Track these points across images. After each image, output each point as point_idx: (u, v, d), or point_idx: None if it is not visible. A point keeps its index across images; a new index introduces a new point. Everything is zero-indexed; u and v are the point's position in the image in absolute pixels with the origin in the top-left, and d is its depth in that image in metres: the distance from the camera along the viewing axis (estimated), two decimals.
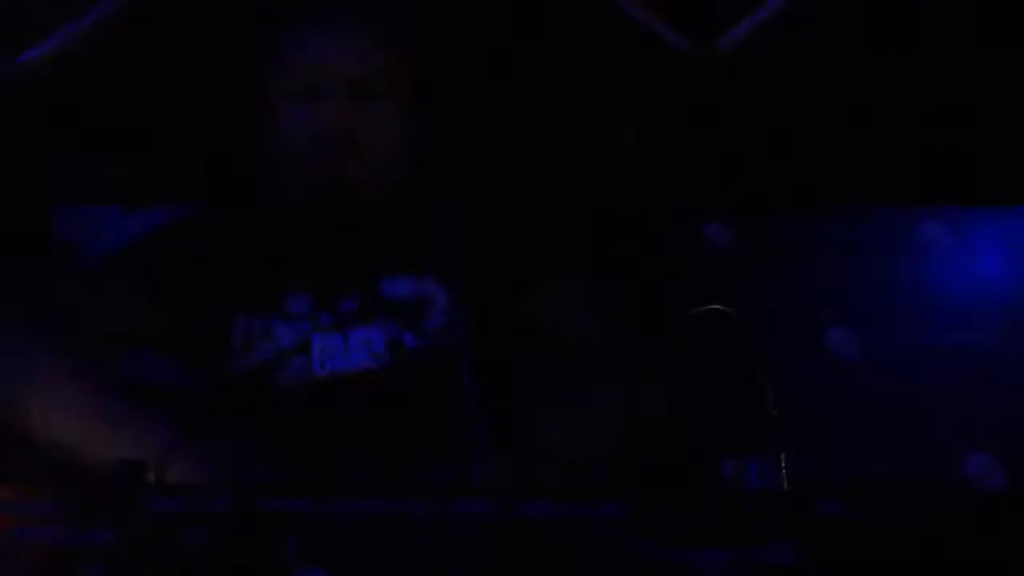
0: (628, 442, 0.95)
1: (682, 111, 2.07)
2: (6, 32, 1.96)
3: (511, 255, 1.16)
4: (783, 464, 0.60)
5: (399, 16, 1.24)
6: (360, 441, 0.94)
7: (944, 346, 2.07)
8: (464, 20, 1.94)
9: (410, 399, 1.00)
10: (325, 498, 0.54)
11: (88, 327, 1.14)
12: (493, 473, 0.61)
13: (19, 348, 1.07)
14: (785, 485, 0.60)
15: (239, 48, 1.82)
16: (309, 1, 1.21)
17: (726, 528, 0.53)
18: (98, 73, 2.05)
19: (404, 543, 0.51)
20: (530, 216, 1.20)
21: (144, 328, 1.13)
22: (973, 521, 0.45)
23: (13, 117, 1.96)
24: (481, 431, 0.64)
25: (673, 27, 2.00)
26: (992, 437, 1.94)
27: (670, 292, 2.08)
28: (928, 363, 2.05)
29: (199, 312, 1.10)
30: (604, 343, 1.01)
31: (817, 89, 2.08)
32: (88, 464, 1.09)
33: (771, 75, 2.08)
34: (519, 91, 2.02)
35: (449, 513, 0.53)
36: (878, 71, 2.04)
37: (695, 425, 2.02)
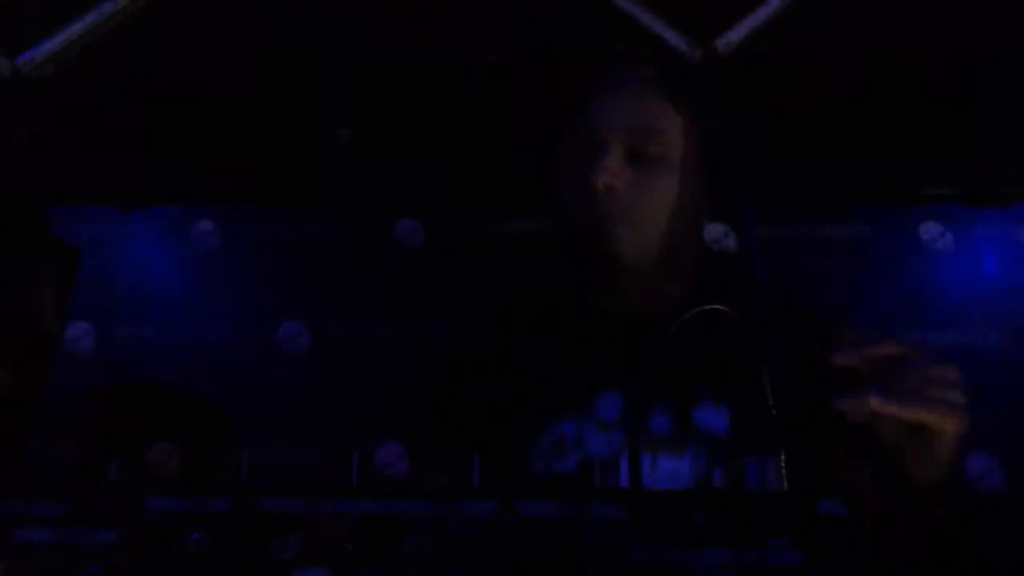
0: None
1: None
2: (6, 32, 1.97)
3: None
4: (783, 464, 0.60)
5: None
6: None
7: (944, 346, 2.07)
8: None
9: None
10: (325, 498, 0.54)
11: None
12: None
13: None
14: (785, 485, 0.60)
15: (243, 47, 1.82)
16: None
17: (726, 528, 0.53)
18: (98, 73, 2.06)
19: (404, 543, 0.52)
20: None
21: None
22: (973, 521, 0.45)
23: (13, 117, 1.96)
24: None
25: (673, 28, 2.00)
26: (992, 437, 1.94)
27: None
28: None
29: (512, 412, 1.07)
30: None
31: (816, 89, 2.08)
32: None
33: (770, 75, 2.08)
34: (517, 91, 2.02)
35: (449, 513, 0.53)
36: (878, 71, 2.04)
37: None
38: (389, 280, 1.96)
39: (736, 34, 2.03)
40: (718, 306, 0.62)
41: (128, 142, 2.12)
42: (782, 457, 0.62)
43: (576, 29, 2.01)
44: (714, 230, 2.20)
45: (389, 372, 1.79)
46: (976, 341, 2.06)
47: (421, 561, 0.50)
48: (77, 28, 2.03)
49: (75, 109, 2.07)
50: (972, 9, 1.97)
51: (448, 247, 2.09)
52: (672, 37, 2.00)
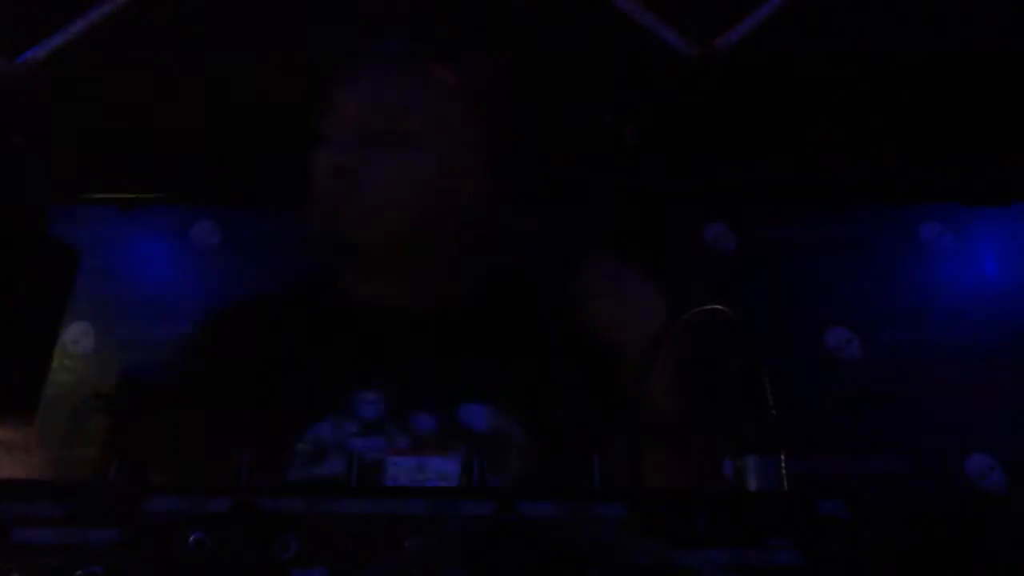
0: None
1: (682, 111, 2.08)
2: (6, 32, 1.97)
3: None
4: (783, 464, 0.60)
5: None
6: None
7: (944, 346, 2.07)
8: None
9: None
10: (325, 498, 0.54)
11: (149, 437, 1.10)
12: None
13: None
14: (785, 485, 0.60)
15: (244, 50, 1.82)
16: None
17: (726, 528, 0.53)
18: (98, 73, 2.06)
19: (404, 543, 0.52)
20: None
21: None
22: (973, 521, 0.45)
23: (13, 117, 1.96)
24: None
25: (673, 27, 2.00)
26: (992, 437, 1.94)
27: (670, 292, 2.08)
28: (928, 363, 2.05)
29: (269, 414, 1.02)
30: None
31: (816, 89, 2.08)
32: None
33: (770, 75, 2.09)
34: (519, 91, 2.02)
35: (449, 513, 0.53)
36: (877, 71, 2.04)
37: (695, 425, 2.02)
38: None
39: (736, 34, 2.03)
40: (717, 306, 0.62)
41: (129, 142, 2.12)
42: (782, 457, 0.62)
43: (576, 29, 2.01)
44: (714, 230, 2.20)
45: None
46: (976, 341, 2.06)
47: (421, 561, 0.50)
48: (77, 28, 2.03)
49: (75, 109, 2.07)
50: (972, 10, 1.97)
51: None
52: (672, 37, 2.00)
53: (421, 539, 0.51)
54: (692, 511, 0.53)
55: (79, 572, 0.50)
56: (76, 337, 2.12)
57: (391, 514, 0.53)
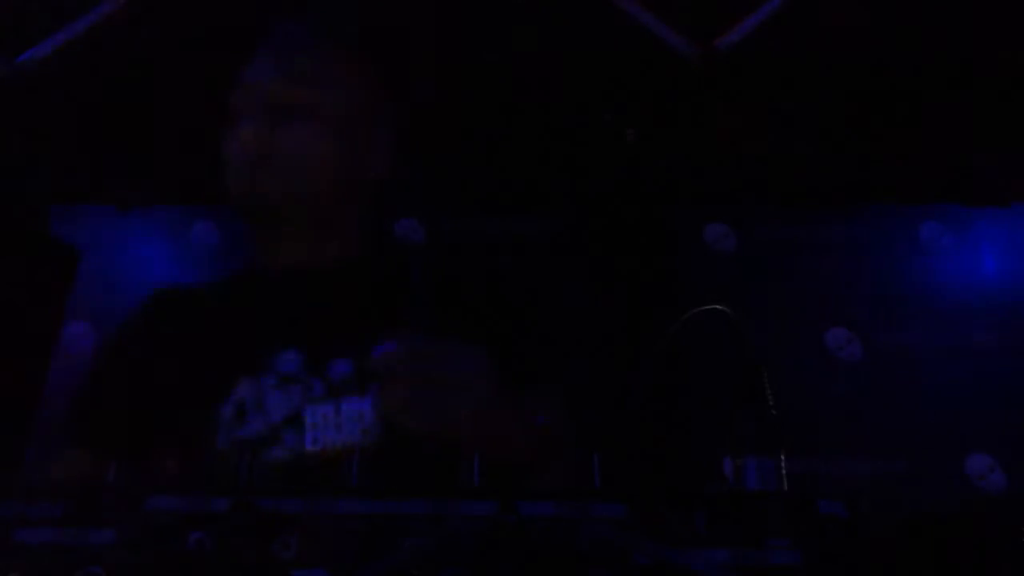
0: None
1: (682, 111, 2.08)
2: (6, 32, 1.97)
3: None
4: (783, 464, 0.60)
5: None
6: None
7: (944, 346, 2.07)
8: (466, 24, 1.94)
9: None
10: (325, 498, 0.54)
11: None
12: None
13: None
14: (785, 485, 0.60)
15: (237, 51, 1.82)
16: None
17: (726, 528, 0.53)
18: (98, 73, 2.06)
19: (404, 543, 0.52)
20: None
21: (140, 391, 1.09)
22: (973, 521, 0.45)
23: (13, 117, 1.96)
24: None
25: (673, 28, 2.00)
26: (992, 437, 1.95)
27: (670, 292, 2.08)
28: (928, 363, 2.05)
29: (193, 380, 1.07)
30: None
31: (816, 89, 2.08)
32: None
33: (770, 75, 2.09)
34: (517, 91, 2.03)
35: (449, 513, 0.53)
36: (877, 71, 2.04)
37: (695, 425, 2.03)
38: None
39: (736, 34, 2.03)
40: (718, 307, 0.62)
41: (128, 142, 2.12)
42: (782, 457, 0.62)
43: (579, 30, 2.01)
44: (715, 230, 2.20)
45: None
46: (976, 341, 2.06)
47: (421, 561, 0.50)
48: (77, 28, 2.03)
49: (75, 109, 2.08)
50: (972, 10, 1.97)
51: None
52: (672, 37, 2.00)
53: (421, 539, 0.51)
54: (692, 511, 0.53)
55: (79, 572, 0.50)
56: (76, 337, 2.12)
57: (391, 514, 0.53)
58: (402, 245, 1.31)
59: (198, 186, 2.20)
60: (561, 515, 0.54)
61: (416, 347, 0.84)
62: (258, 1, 1.91)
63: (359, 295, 1.12)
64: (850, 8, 1.96)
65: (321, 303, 1.12)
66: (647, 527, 0.51)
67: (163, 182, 2.20)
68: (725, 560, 0.53)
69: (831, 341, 2.07)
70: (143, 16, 1.99)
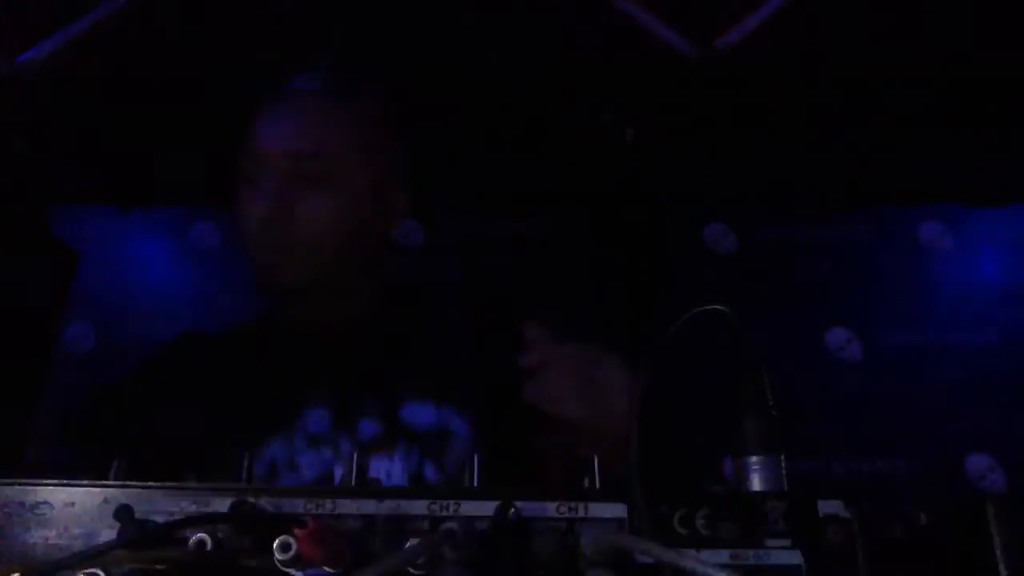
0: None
1: (682, 111, 2.08)
2: (6, 32, 1.97)
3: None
4: (783, 464, 0.60)
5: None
6: None
7: (944, 346, 2.08)
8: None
9: None
10: (325, 498, 0.54)
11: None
12: None
13: None
14: (785, 485, 0.60)
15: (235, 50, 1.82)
16: None
17: (726, 528, 0.53)
18: (98, 73, 2.06)
19: (404, 543, 0.52)
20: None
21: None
22: (973, 521, 0.45)
23: (13, 117, 1.96)
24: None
25: (673, 28, 2.00)
26: (992, 437, 1.95)
27: (670, 292, 2.08)
28: (928, 363, 2.05)
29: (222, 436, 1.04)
30: None
31: (816, 89, 2.08)
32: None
33: (770, 75, 2.09)
34: (518, 91, 2.03)
35: (449, 513, 0.53)
36: (877, 72, 2.04)
37: (695, 425, 2.02)
38: None
39: (736, 34, 2.03)
40: (718, 307, 0.62)
41: (128, 142, 2.12)
42: (782, 457, 0.62)
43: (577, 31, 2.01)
44: (714, 230, 2.20)
45: None
46: (976, 341, 2.06)
47: (421, 561, 0.50)
48: (77, 28, 2.03)
49: (75, 109, 2.08)
50: (972, 10, 1.97)
51: None
52: (672, 37, 2.00)
53: (421, 539, 0.51)
54: (692, 511, 0.53)
55: (79, 572, 0.50)
56: (76, 337, 2.13)
57: (391, 514, 0.53)
58: (436, 284, 1.29)
59: (198, 186, 2.20)
60: (561, 515, 0.54)
61: (568, 346, 0.86)
62: (257, 3, 1.91)
63: (382, 349, 1.11)
64: (850, 8, 1.96)
65: (346, 360, 1.10)
66: (647, 527, 0.51)
67: (163, 182, 2.20)
68: (725, 560, 0.53)
69: (831, 341, 2.07)
70: (143, 16, 1.99)
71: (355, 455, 0.58)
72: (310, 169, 1.05)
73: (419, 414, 1.06)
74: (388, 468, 1.03)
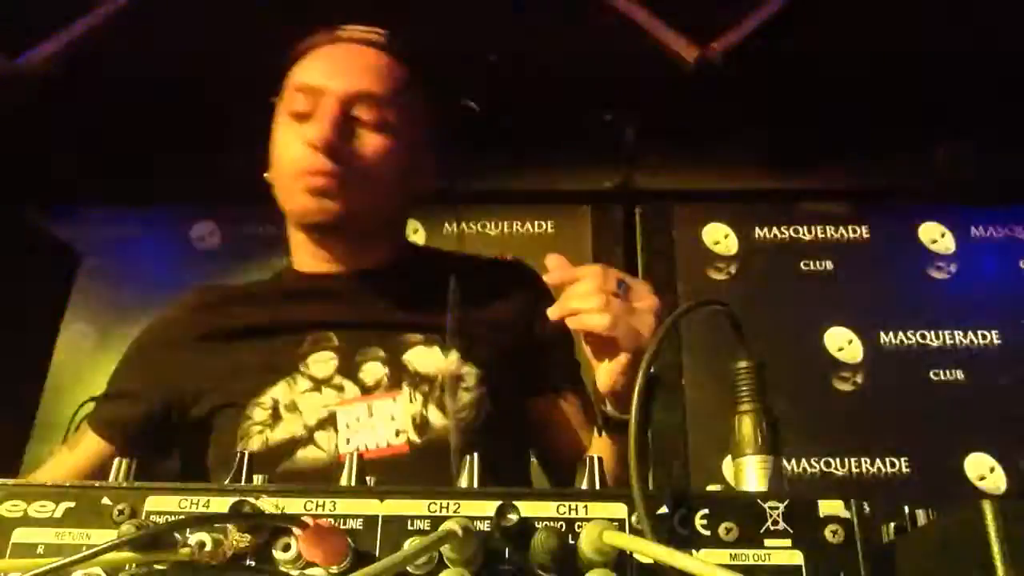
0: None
1: (682, 111, 2.08)
2: (6, 32, 1.97)
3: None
4: (783, 464, 0.60)
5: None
6: None
7: (944, 346, 2.07)
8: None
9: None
10: (325, 498, 0.54)
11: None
12: None
13: None
14: (785, 485, 0.60)
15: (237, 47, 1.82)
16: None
17: (726, 528, 0.53)
18: (98, 73, 2.06)
19: (404, 543, 0.52)
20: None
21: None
22: (973, 521, 0.45)
23: (13, 117, 1.96)
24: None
25: (673, 28, 2.00)
26: (992, 437, 1.95)
27: (670, 292, 2.08)
28: (928, 363, 2.05)
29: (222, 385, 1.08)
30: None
31: (816, 89, 2.08)
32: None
33: (770, 76, 2.09)
34: (518, 91, 2.03)
35: (449, 513, 0.53)
36: (877, 71, 2.04)
37: (695, 426, 2.03)
38: None
39: (736, 36, 2.03)
40: (716, 304, 0.62)
41: (128, 142, 2.12)
42: (782, 457, 0.62)
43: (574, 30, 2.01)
44: (714, 230, 2.20)
45: None
46: (976, 340, 2.06)
47: (421, 561, 0.51)
48: (77, 28, 2.03)
49: (75, 109, 2.08)
50: (971, 11, 1.97)
51: None
52: (671, 38, 2.00)
53: (421, 539, 0.51)
54: (692, 511, 0.53)
55: (79, 572, 0.50)
56: (76, 337, 2.13)
57: (391, 514, 0.54)
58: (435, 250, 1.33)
59: (198, 186, 2.20)
60: (561, 515, 0.54)
61: (592, 265, 0.89)
62: (256, 4, 1.91)
63: (392, 300, 1.12)
64: (849, 8, 1.96)
65: (354, 307, 1.12)
66: (647, 527, 0.51)
67: (163, 182, 2.20)
68: (725, 560, 0.53)
69: (831, 341, 2.07)
70: (143, 16, 1.99)
71: (355, 456, 0.58)
72: (371, 112, 1.07)
73: (425, 358, 1.07)
74: (392, 410, 1.03)
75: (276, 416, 1.04)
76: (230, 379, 1.07)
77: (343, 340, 1.09)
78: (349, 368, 1.07)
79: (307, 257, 1.16)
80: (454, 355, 1.07)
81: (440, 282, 1.09)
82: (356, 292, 1.14)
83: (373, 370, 1.07)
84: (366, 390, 1.05)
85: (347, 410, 1.04)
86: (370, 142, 1.07)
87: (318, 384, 1.06)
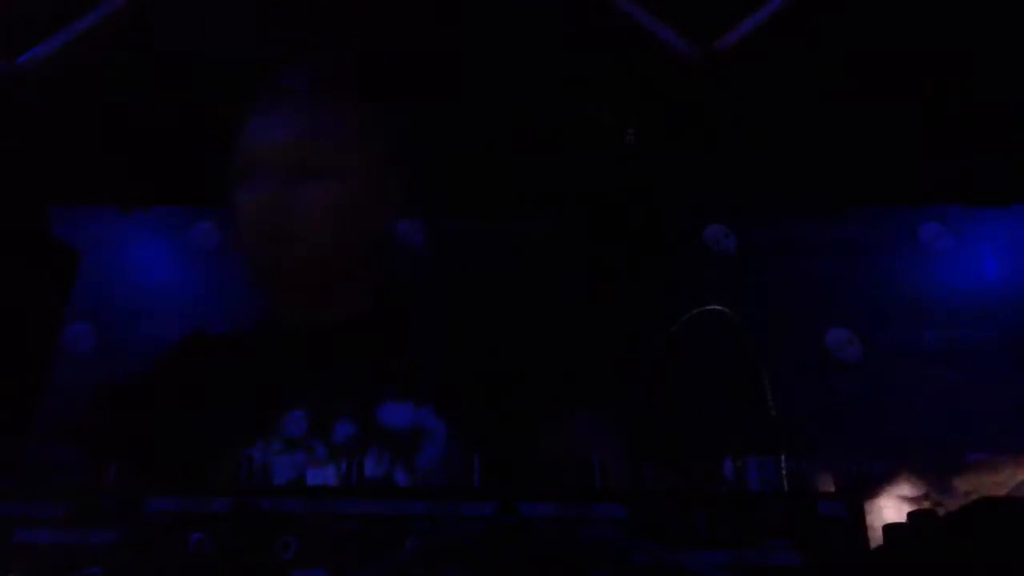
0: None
1: (682, 111, 2.08)
2: (6, 32, 1.96)
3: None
4: (783, 464, 0.60)
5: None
6: None
7: (943, 346, 2.07)
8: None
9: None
10: (325, 498, 0.54)
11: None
12: None
13: None
14: (785, 485, 0.60)
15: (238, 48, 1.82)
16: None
17: (726, 528, 0.53)
18: (98, 73, 2.06)
19: (404, 543, 0.52)
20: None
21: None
22: (973, 521, 0.45)
23: (13, 117, 1.96)
24: None
25: (673, 27, 2.00)
26: (992, 437, 1.95)
27: (671, 292, 2.08)
28: (928, 363, 2.05)
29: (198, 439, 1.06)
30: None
31: (816, 89, 2.08)
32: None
33: (770, 75, 2.09)
34: (517, 91, 2.03)
35: (449, 513, 0.53)
36: (877, 72, 2.04)
37: (695, 425, 2.03)
38: None
39: (736, 34, 2.03)
40: (717, 307, 0.62)
41: (128, 142, 2.12)
42: (782, 457, 0.62)
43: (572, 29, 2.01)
44: (714, 230, 2.20)
45: None
46: (976, 340, 2.06)
47: (421, 561, 0.50)
48: (77, 28, 2.03)
49: (75, 109, 2.07)
50: (971, 11, 1.97)
51: None
52: (672, 37, 2.00)
53: (421, 539, 0.51)
54: (692, 511, 0.53)
55: (79, 572, 0.50)
56: (76, 337, 2.12)
57: (391, 514, 0.53)
58: (407, 285, 1.29)
59: (198, 186, 2.20)
60: (561, 515, 0.54)
61: None
62: (255, 4, 1.91)
63: (365, 352, 1.11)
64: (849, 8, 1.96)
65: (329, 361, 1.11)
66: (647, 527, 0.51)
67: (163, 182, 2.20)
68: (725, 560, 0.53)
69: (831, 341, 2.07)
70: (143, 16, 1.99)
71: (354, 457, 0.58)
72: (307, 160, 1.06)
73: (396, 414, 1.06)
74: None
75: (250, 478, 1.03)
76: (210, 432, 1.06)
77: (317, 397, 1.07)
78: (322, 427, 1.05)
79: (284, 308, 1.16)
80: (427, 409, 1.06)
81: (414, 326, 1.08)
82: (331, 344, 1.12)
83: (344, 429, 1.05)
84: (335, 450, 1.04)
85: (315, 472, 1.03)
86: (312, 192, 1.06)
87: (291, 444, 1.05)
